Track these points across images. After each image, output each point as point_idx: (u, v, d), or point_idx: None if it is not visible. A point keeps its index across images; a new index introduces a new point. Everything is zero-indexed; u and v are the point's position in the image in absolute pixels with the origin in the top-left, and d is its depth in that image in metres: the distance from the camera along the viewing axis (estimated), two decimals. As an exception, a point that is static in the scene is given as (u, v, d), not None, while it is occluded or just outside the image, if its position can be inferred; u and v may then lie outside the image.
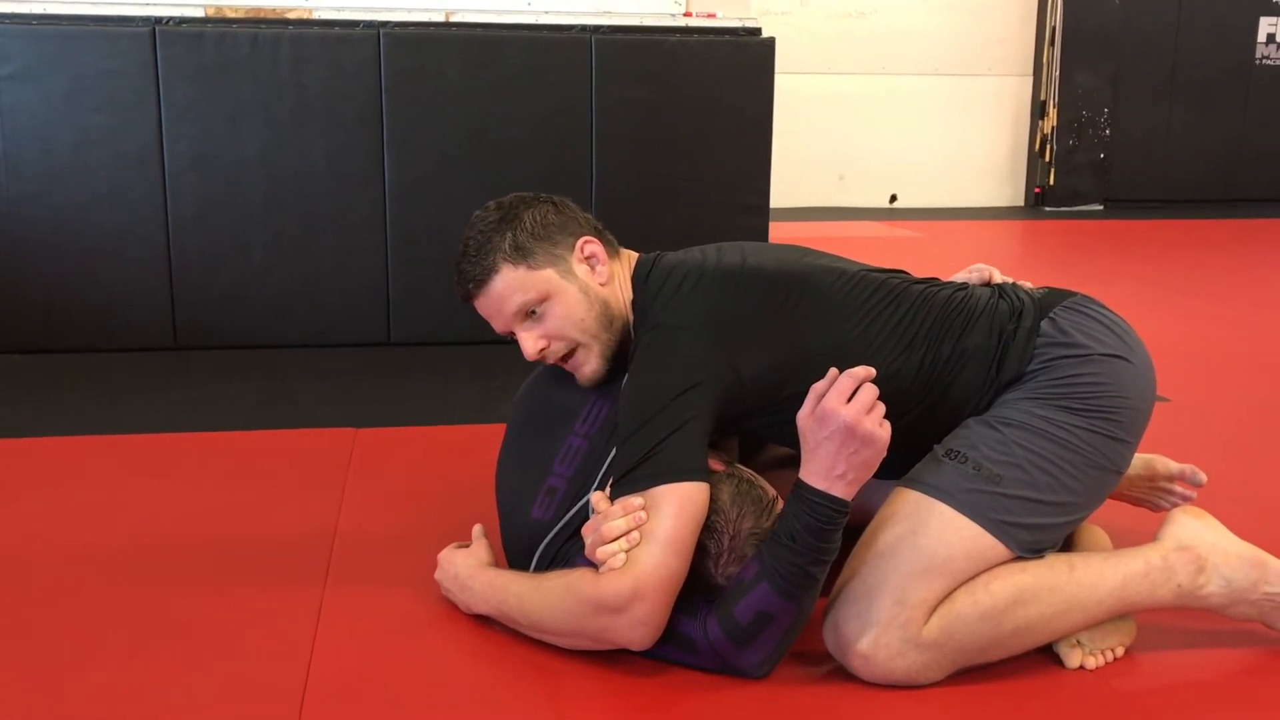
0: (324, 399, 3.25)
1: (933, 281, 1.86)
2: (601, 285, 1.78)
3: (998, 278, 1.94)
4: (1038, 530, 1.64)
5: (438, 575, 1.86)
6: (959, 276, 1.98)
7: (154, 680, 1.64)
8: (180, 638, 1.77)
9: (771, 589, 1.55)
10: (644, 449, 1.60)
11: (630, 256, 1.85)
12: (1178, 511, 1.76)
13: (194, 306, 3.76)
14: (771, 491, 1.70)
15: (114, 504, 2.36)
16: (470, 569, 1.80)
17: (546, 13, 3.94)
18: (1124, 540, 1.88)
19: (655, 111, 3.92)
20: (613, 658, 1.66)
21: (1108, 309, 1.80)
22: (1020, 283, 1.92)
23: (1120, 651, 1.70)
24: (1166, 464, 2.04)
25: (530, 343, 1.76)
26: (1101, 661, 1.68)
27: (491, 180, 3.80)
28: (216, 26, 3.69)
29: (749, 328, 1.69)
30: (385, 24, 3.78)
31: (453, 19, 3.87)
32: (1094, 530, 1.94)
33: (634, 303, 1.78)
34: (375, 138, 3.77)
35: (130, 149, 3.66)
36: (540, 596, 1.66)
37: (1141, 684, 1.65)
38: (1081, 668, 1.67)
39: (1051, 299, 1.79)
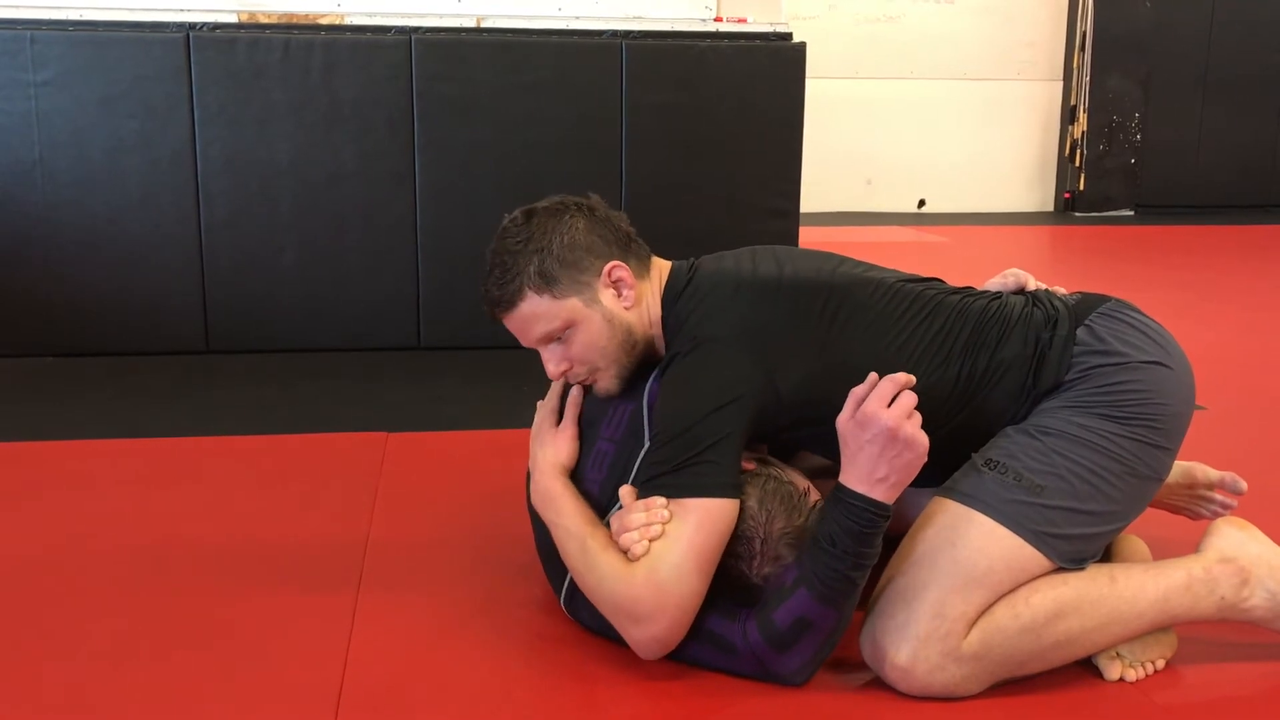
0: (355, 403, 3.26)
1: (968, 291, 1.84)
2: (626, 309, 1.76)
3: (1032, 284, 1.92)
4: (1078, 540, 1.62)
5: (537, 419, 1.84)
6: (993, 282, 1.95)
7: (187, 685, 1.65)
8: (214, 642, 1.78)
9: (810, 594, 1.54)
10: (676, 460, 1.60)
11: (662, 268, 1.83)
12: (1220, 522, 1.74)
13: (226, 310, 3.79)
14: (803, 484, 1.69)
15: (145, 508, 2.37)
16: (547, 464, 1.76)
17: (577, 18, 3.94)
18: (1162, 550, 1.86)
19: (685, 116, 3.91)
20: (649, 665, 1.65)
21: (1143, 314, 1.79)
22: (1054, 288, 1.90)
23: (1161, 664, 1.68)
24: (1206, 471, 2.01)
25: (553, 365, 1.77)
26: (1142, 674, 1.66)
27: (522, 185, 3.78)
28: (249, 32, 3.71)
29: (787, 339, 1.68)
30: (417, 29, 3.79)
31: (484, 24, 3.88)
32: (1133, 540, 1.92)
33: (665, 317, 1.76)
34: (406, 143, 3.78)
35: (163, 154, 3.68)
36: (585, 559, 1.64)
37: (1183, 697, 1.63)
38: (1121, 680, 1.65)
39: (1086, 305, 1.77)
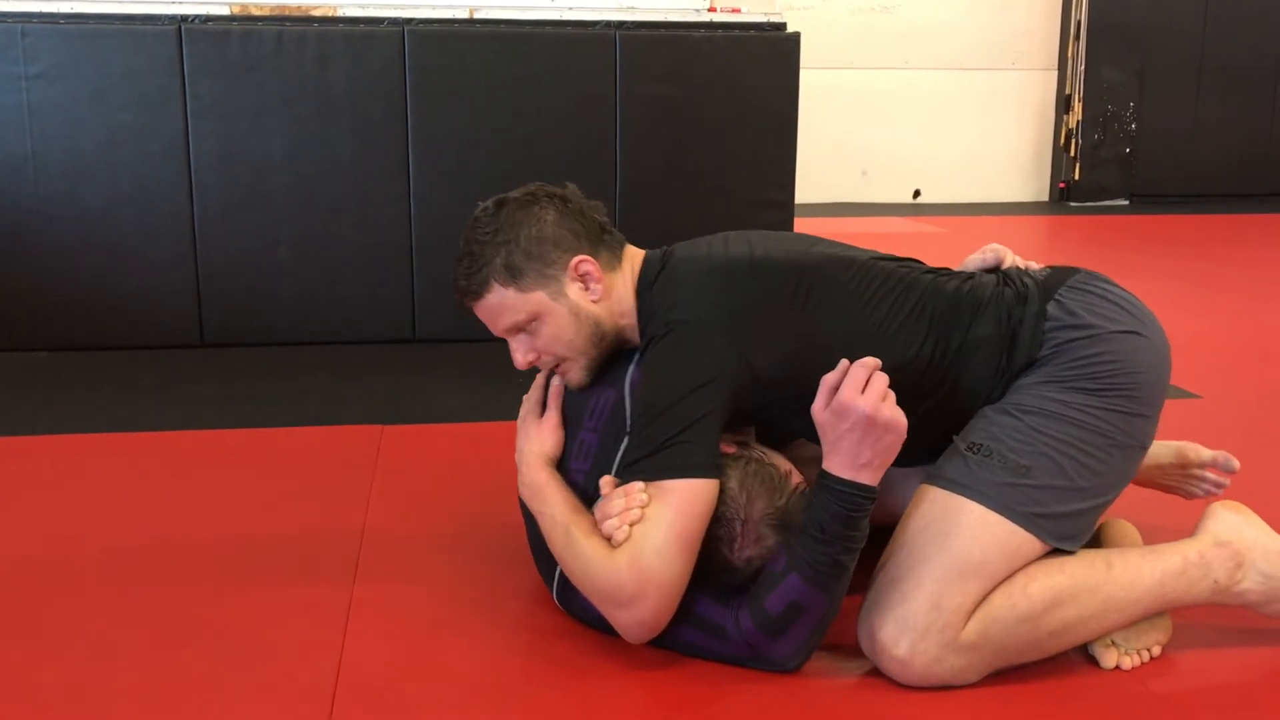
0: (350, 396, 3.25)
1: (942, 271, 1.84)
2: (594, 302, 1.75)
3: (1009, 260, 1.91)
4: (1068, 518, 1.62)
5: (522, 413, 1.85)
6: (973, 258, 1.94)
7: (183, 679, 1.65)
8: (209, 636, 1.78)
9: (802, 580, 1.55)
10: (654, 442, 1.60)
11: (635, 257, 1.82)
12: (1217, 506, 1.74)
13: (220, 304, 3.77)
14: (784, 466, 1.70)
15: (139, 502, 2.36)
16: (532, 456, 1.77)
17: (571, 9, 3.93)
18: (1154, 536, 1.86)
19: (679, 107, 3.90)
20: (642, 656, 1.65)
21: (1114, 284, 1.78)
22: (1028, 264, 1.89)
23: (1156, 651, 1.68)
24: (1199, 451, 2.02)
25: (519, 354, 1.78)
26: (1137, 661, 1.66)
27: (516, 176, 3.70)
28: (242, 24, 3.69)
29: (760, 320, 1.68)
30: (410, 21, 3.78)
31: (477, 15, 3.86)
32: (1123, 525, 1.92)
33: (640, 305, 1.76)
34: (400, 134, 3.77)
35: (156, 147, 3.67)
36: (569, 547, 1.64)
37: (1178, 684, 1.63)
38: (1117, 668, 1.65)
39: (1055, 279, 1.77)
